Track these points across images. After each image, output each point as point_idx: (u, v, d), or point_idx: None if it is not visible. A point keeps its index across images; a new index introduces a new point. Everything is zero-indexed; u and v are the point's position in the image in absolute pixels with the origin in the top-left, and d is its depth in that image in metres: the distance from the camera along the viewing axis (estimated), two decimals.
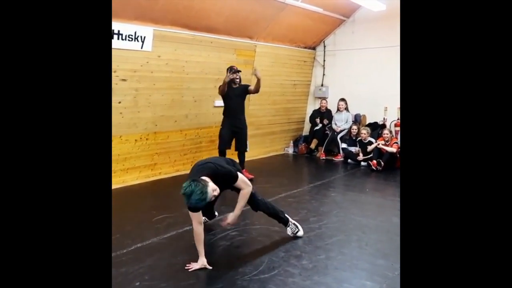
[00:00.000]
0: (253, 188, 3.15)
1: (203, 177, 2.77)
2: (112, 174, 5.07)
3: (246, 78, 6.49)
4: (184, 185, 2.67)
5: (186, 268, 2.88)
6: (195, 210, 2.82)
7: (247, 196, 3.02)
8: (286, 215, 3.52)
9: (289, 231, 3.51)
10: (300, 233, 3.51)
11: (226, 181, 2.97)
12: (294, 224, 3.52)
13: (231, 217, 3.07)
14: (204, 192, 2.64)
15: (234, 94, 5.36)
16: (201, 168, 2.93)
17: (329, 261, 3.09)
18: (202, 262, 2.91)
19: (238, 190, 3.11)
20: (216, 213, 3.79)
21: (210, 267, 2.92)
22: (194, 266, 2.90)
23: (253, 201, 3.26)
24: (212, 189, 2.73)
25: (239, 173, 3.00)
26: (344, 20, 7.41)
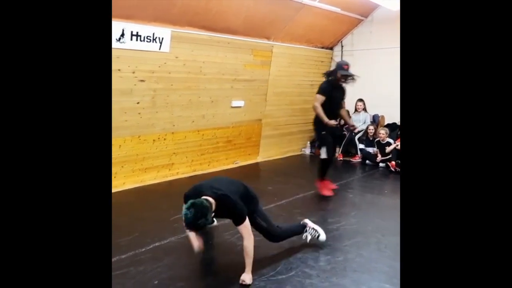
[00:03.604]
0: (265, 221, 3.00)
1: (208, 199, 2.61)
2: (131, 174, 5.14)
3: (263, 78, 6.50)
4: (188, 206, 2.51)
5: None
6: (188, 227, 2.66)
7: (251, 250, 2.71)
8: (302, 222, 3.39)
9: (308, 237, 3.31)
10: (322, 237, 3.31)
11: (228, 216, 2.77)
12: (312, 228, 3.35)
13: (247, 278, 2.72)
14: (201, 223, 2.51)
15: (337, 96, 4.86)
16: (213, 190, 2.70)
17: (347, 263, 3.06)
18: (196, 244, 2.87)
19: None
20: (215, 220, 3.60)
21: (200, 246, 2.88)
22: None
23: (272, 239, 3.11)
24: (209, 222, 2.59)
25: (247, 219, 2.73)
26: (362, 20, 7.33)
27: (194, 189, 2.78)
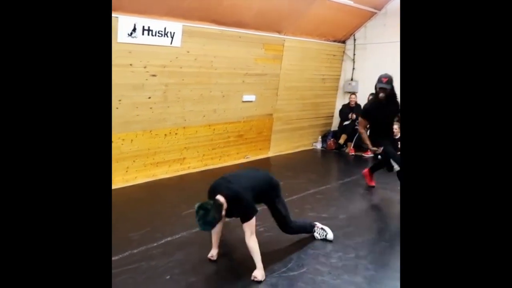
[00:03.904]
0: (285, 210, 3.09)
1: (223, 204, 2.66)
2: (143, 168, 5.17)
3: (274, 73, 6.46)
4: (203, 207, 2.57)
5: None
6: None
7: (254, 247, 2.75)
8: (312, 223, 3.43)
9: (317, 236, 3.38)
10: (329, 236, 3.36)
11: (237, 214, 2.80)
12: (321, 229, 3.40)
13: (258, 274, 2.75)
14: (215, 223, 2.64)
15: (383, 114, 4.49)
16: (227, 182, 2.79)
17: (359, 260, 3.04)
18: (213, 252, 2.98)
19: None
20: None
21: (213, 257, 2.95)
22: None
23: (286, 229, 3.18)
24: (219, 220, 2.69)
25: (253, 219, 2.75)
26: (376, 13, 7.21)
27: (213, 187, 2.81)
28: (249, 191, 2.78)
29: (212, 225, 2.64)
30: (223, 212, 2.65)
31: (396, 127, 6.56)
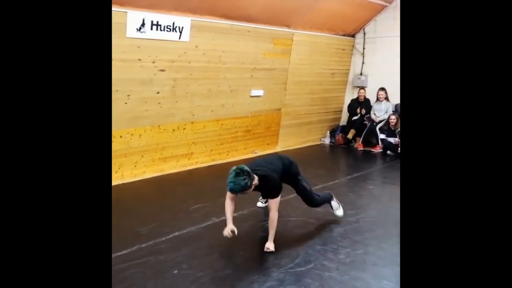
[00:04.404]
0: (308, 184, 3.46)
1: (255, 177, 2.93)
2: (151, 163, 5.19)
3: (283, 67, 6.42)
4: (241, 169, 2.84)
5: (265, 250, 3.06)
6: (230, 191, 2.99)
7: (275, 222, 3.08)
8: (331, 194, 3.77)
9: (333, 205, 3.69)
10: (340, 212, 3.70)
11: (266, 192, 3.15)
12: (337, 202, 3.73)
13: (271, 246, 3.09)
14: (241, 190, 2.85)
15: None
16: (260, 167, 3.09)
17: (367, 256, 3.02)
18: (229, 227, 3.07)
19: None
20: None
21: (234, 231, 3.04)
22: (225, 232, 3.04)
23: (312, 202, 3.54)
24: (251, 189, 2.94)
25: (279, 196, 3.07)
26: (386, 6, 7.12)
27: (250, 167, 3.01)
28: (275, 172, 3.11)
29: (241, 188, 2.82)
30: (253, 185, 2.89)
31: (393, 117, 6.55)
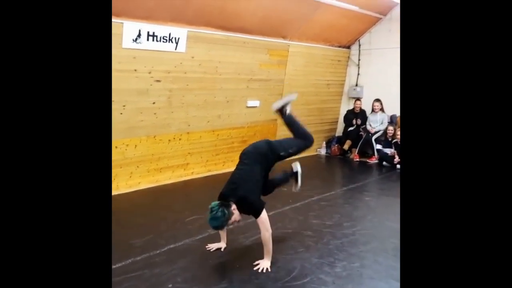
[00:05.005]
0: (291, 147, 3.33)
1: (232, 204, 2.86)
2: (146, 174, 5.16)
3: (279, 78, 6.44)
4: (213, 205, 2.81)
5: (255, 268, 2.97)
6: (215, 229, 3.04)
7: (267, 240, 2.94)
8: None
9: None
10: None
11: (248, 211, 2.97)
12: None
13: (262, 263, 2.97)
14: (223, 221, 2.80)
15: None
16: (233, 188, 2.95)
17: (363, 270, 3.00)
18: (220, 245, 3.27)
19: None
20: None
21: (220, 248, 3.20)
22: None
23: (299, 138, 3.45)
24: (234, 219, 2.88)
25: (263, 213, 2.91)
26: (381, 18, 7.20)
27: (222, 194, 2.98)
28: (254, 186, 2.98)
29: (222, 222, 2.80)
30: (232, 212, 2.83)
31: (391, 128, 6.57)
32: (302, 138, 3.44)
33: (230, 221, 2.85)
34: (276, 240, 3.40)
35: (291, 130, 3.47)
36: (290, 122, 3.49)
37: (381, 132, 7.05)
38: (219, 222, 2.78)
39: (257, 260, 3.00)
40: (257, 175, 3.05)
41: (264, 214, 2.92)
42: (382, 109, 7.14)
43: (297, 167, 3.62)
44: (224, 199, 2.91)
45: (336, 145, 7.62)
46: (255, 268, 2.93)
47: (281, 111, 3.51)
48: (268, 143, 3.31)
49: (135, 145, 4.93)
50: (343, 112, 7.84)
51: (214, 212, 2.76)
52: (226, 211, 2.78)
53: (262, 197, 3.10)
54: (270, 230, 2.93)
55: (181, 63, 4.97)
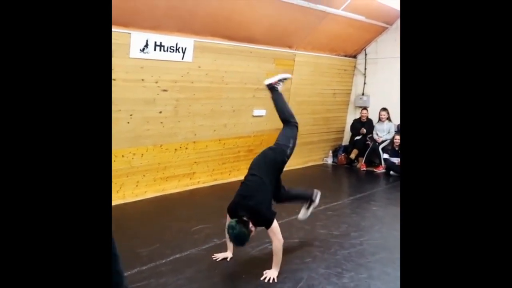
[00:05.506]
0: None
1: (247, 221, 2.83)
2: (152, 183, 5.16)
3: (285, 87, 6.44)
4: (232, 223, 2.78)
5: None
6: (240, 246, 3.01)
7: (278, 250, 2.94)
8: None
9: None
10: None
11: (260, 223, 2.95)
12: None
13: (270, 273, 2.95)
14: (247, 235, 2.80)
15: None
16: (244, 200, 2.94)
17: (372, 281, 2.95)
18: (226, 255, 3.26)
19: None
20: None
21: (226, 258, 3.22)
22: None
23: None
24: (251, 234, 2.86)
25: (274, 223, 2.92)
26: (387, 28, 7.21)
27: (232, 208, 2.97)
28: (265, 196, 2.98)
29: (245, 239, 2.80)
30: (251, 227, 2.82)
31: (398, 137, 6.52)
32: (288, 122, 3.45)
33: (248, 239, 2.84)
34: (282, 250, 3.37)
35: (278, 108, 3.49)
36: (279, 100, 3.48)
37: (388, 141, 7.01)
38: (244, 238, 2.78)
39: (264, 270, 2.97)
40: (267, 184, 3.04)
41: (275, 224, 2.92)
42: (389, 118, 7.11)
43: (317, 196, 3.61)
44: (235, 212, 2.89)
45: (342, 154, 7.58)
46: (261, 278, 2.90)
47: (273, 87, 3.47)
48: (271, 148, 3.38)
49: (142, 154, 4.94)
50: (349, 121, 7.82)
51: (237, 230, 2.74)
52: (246, 231, 2.77)
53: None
54: (282, 240, 2.93)
55: (188, 72, 5.00)
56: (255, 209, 2.87)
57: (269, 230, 2.91)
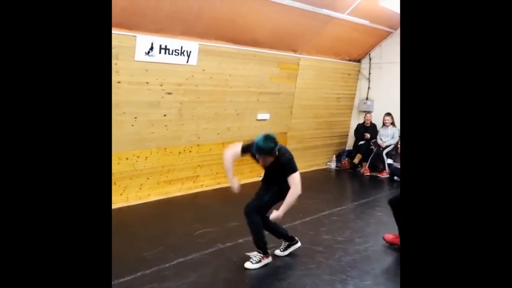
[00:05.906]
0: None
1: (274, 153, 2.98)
2: (156, 186, 5.15)
3: (289, 91, 6.44)
4: (267, 134, 2.98)
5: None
6: (245, 150, 3.19)
7: (294, 197, 3.01)
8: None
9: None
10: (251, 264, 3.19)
11: (284, 168, 3.03)
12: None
13: (276, 213, 3.06)
14: (272, 148, 2.94)
15: None
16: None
17: None
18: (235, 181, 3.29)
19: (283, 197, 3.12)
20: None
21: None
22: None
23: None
24: (270, 160, 3.00)
25: (297, 173, 3.04)
26: (391, 32, 7.19)
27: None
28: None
29: (268, 151, 2.93)
30: (275, 152, 2.97)
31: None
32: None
33: (267, 160, 2.97)
34: (286, 255, 3.35)
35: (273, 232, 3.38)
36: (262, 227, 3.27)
37: (392, 146, 6.98)
38: (266, 149, 2.91)
39: (266, 277, 2.95)
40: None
41: (298, 174, 3.02)
42: (393, 123, 7.08)
43: (299, 242, 3.47)
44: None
45: (346, 159, 7.55)
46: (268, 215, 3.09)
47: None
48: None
49: (146, 157, 4.93)
50: (353, 125, 7.79)
51: (269, 141, 2.90)
52: (275, 148, 2.92)
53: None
54: (299, 191, 3.00)
55: (192, 75, 5.00)
56: (282, 147, 3.09)
57: (291, 177, 2.99)
